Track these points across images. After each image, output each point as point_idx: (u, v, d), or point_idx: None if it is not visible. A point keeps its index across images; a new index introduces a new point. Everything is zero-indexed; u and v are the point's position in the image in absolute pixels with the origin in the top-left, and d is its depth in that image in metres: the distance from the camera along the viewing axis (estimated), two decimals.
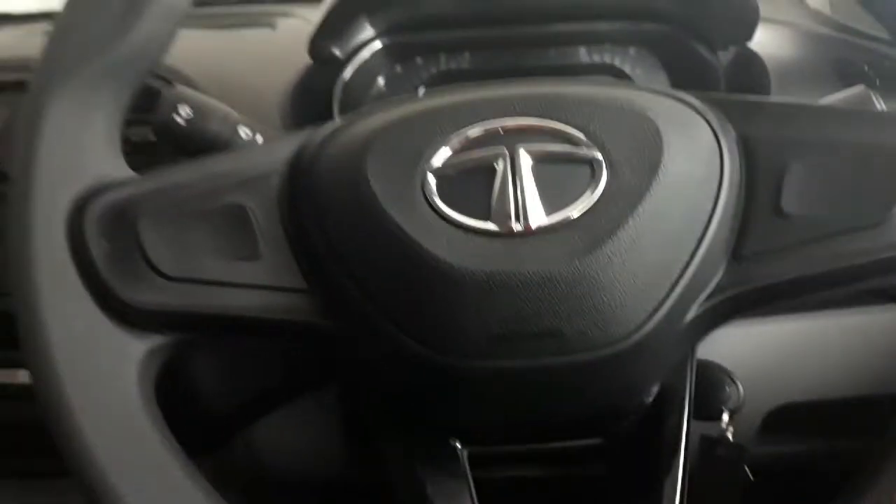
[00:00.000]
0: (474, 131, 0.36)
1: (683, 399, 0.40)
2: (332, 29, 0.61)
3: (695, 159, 0.36)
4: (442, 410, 0.39)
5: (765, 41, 0.64)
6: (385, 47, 0.65)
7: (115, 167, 0.38)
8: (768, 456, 0.61)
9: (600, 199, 0.34)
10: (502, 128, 0.36)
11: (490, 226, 0.34)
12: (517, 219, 0.34)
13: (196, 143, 0.48)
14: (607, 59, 0.66)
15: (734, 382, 0.48)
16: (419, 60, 0.67)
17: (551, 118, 0.36)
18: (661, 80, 0.66)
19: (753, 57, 0.63)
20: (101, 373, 0.35)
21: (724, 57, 0.64)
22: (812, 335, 0.60)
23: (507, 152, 0.35)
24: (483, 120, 0.36)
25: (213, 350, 0.58)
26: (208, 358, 0.59)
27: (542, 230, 0.34)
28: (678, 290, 0.35)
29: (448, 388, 0.36)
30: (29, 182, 0.36)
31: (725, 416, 0.49)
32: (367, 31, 0.64)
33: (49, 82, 0.36)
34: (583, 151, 0.35)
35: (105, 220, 0.36)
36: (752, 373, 0.53)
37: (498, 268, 0.34)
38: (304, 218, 0.36)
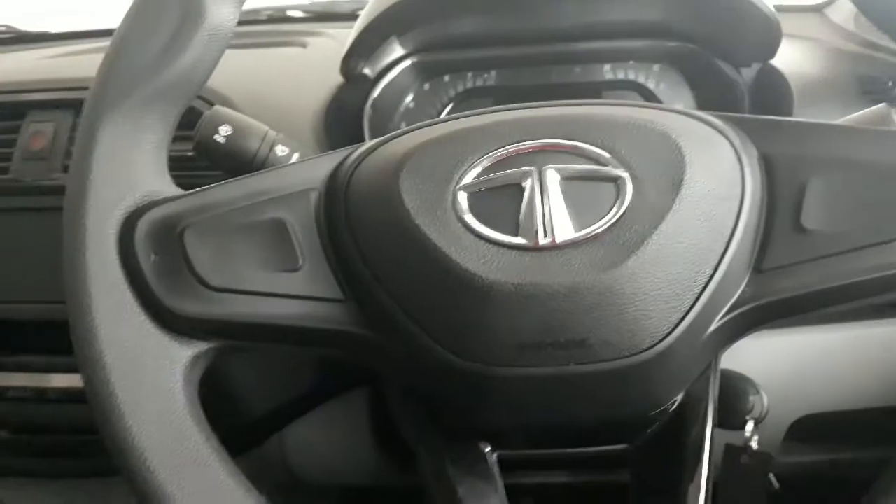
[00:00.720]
0: (503, 151, 0.37)
1: (707, 408, 0.41)
2: (363, 49, 0.64)
3: (717, 177, 0.37)
4: (471, 415, 0.40)
5: (788, 57, 0.65)
6: (414, 66, 0.68)
7: (163, 184, 0.40)
8: (793, 465, 0.62)
9: (625, 215, 0.36)
10: (530, 148, 0.37)
11: (519, 240, 0.36)
12: (545, 233, 0.36)
13: (234, 160, 0.50)
14: (631, 75, 0.67)
15: (758, 392, 0.49)
16: (447, 78, 0.68)
17: (577, 139, 0.37)
18: (685, 97, 0.67)
19: (776, 74, 0.64)
20: (149, 377, 0.37)
21: (748, 74, 0.65)
22: (836, 346, 0.61)
23: (535, 171, 0.37)
24: (512, 140, 0.37)
25: (251, 355, 0.60)
26: (247, 362, 0.61)
27: (569, 244, 0.36)
28: (701, 302, 0.36)
29: (477, 394, 0.38)
30: (83, 197, 0.38)
31: (750, 425, 0.49)
32: (397, 51, 0.67)
33: (102, 105, 0.39)
34: (608, 170, 0.37)
35: (153, 235, 0.38)
36: (776, 383, 0.54)
37: (526, 280, 0.35)
38: (341, 232, 0.38)
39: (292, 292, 0.38)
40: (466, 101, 0.69)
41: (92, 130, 0.38)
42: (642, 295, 0.35)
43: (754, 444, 0.49)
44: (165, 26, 0.39)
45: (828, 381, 0.61)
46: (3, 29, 1.03)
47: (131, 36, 0.39)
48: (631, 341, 0.35)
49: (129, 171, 0.39)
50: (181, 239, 0.38)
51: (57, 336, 0.46)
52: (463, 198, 0.37)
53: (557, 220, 0.36)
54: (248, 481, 0.37)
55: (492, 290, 0.35)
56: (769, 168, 0.38)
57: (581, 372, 0.36)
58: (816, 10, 0.84)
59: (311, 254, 0.38)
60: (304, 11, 1.00)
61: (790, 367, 0.60)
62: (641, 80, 0.67)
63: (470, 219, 0.36)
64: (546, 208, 0.36)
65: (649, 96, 0.67)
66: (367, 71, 0.66)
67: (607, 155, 0.37)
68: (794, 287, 0.36)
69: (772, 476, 0.52)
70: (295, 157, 0.51)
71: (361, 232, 0.38)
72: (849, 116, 0.47)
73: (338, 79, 0.66)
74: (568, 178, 0.37)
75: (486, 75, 0.68)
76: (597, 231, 0.36)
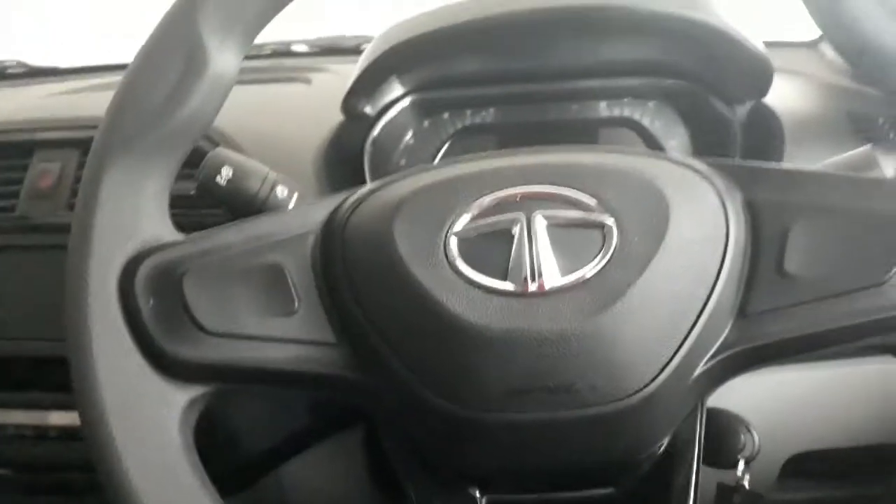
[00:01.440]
0: (493, 198, 0.38)
1: (693, 449, 0.42)
2: (364, 89, 0.65)
3: (701, 223, 0.38)
4: (461, 459, 0.41)
5: (781, 92, 0.66)
6: (413, 104, 0.69)
7: (163, 229, 0.41)
8: (787, 503, 0.62)
9: (611, 261, 0.37)
10: (519, 195, 0.38)
11: (508, 286, 0.37)
12: (533, 279, 0.37)
13: (235, 201, 0.51)
14: (627, 112, 0.68)
15: (749, 431, 0.50)
16: (446, 115, 0.70)
17: (565, 185, 0.38)
18: (680, 133, 0.68)
19: (768, 111, 0.65)
20: (146, 419, 0.38)
21: (741, 110, 0.66)
22: (829, 383, 0.61)
23: (523, 217, 0.38)
24: (501, 188, 0.39)
25: (245, 396, 0.60)
26: (241, 402, 0.62)
27: (557, 290, 0.36)
28: (686, 346, 0.37)
29: (467, 438, 0.38)
30: (86, 241, 0.39)
31: (741, 464, 0.50)
32: (397, 90, 0.68)
33: (107, 151, 0.40)
34: (594, 217, 0.38)
35: (153, 279, 0.39)
36: (768, 421, 0.54)
37: (515, 325, 0.36)
38: (336, 276, 0.39)
39: (288, 336, 0.39)
40: (465, 137, 0.70)
41: (96, 177, 0.40)
42: (628, 340, 0.36)
43: (746, 483, 0.49)
44: (170, 74, 0.40)
45: (821, 419, 0.61)
46: (14, 64, 1.05)
47: (137, 83, 0.40)
48: (618, 386, 0.36)
49: (132, 218, 0.40)
50: (180, 284, 0.39)
51: (59, 373, 0.47)
52: (454, 243, 0.38)
53: (545, 266, 0.37)
54: None
55: (481, 336, 0.36)
56: (753, 213, 0.39)
57: (569, 417, 0.36)
58: (811, 45, 0.86)
59: (307, 298, 0.39)
60: (309, 46, 1.02)
61: (782, 404, 0.60)
62: (637, 116, 0.68)
63: (461, 264, 0.37)
64: (534, 254, 0.37)
65: (644, 133, 0.68)
66: (367, 109, 0.67)
67: (593, 202, 0.38)
68: (777, 332, 0.37)
69: None
70: (295, 197, 0.52)
71: (356, 276, 0.39)
72: (834, 159, 0.48)
73: (339, 116, 0.67)
74: (555, 225, 0.38)
75: (484, 112, 0.70)
76: (583, 277, 0.37)
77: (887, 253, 0.37)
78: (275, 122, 0.71)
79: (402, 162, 0.70)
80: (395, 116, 0.68)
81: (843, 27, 0.40)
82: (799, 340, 0.37)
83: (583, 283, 0.36)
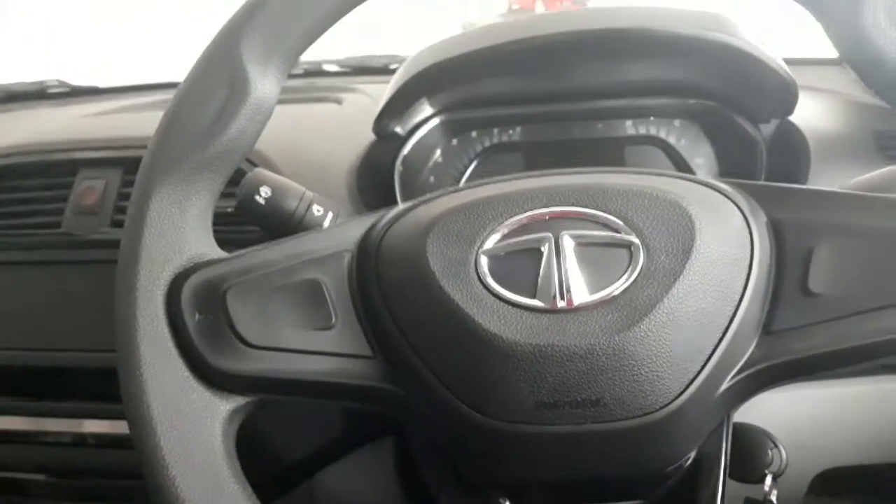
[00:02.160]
0: (522, 218, 0.40)
1: (720, 463, 0.42)
2: (395, 110, 0.67)
3: (726, 242, 0.39)
4: (491, 469, 0.42)
5: (808, 111, 0.66)
6: (442, 123, 0.71)
7: (207, 247, 0.43)
8: None
9: (637, 279, 0.38)
10: (548, 215, 0.40)
11: (536, 302, 0.38)
12: (561, 296, 0.38)
13: (273, 219, 0.53)
14: (653, 131, 0.70)
15: (776, 446, 0.50)
16: (474, 134, 0.71)
17: (592, 206, 0.40)
18: (705, 152, 0.69)
19: (794, 130, 0.65)
20: (191, 429, 0.40)
21: (766, 129, 0.67)
22: (858, 400, 0.61)
23: (551, 237, 0.39)
24: (530, 208, 0.40)
25: (284, 408, 0.62)
26: (278, 412, 0.64)
27: (585, 307, 0.38)
28: (711, 363, 0.38)
29: (496, 449, 0.40)
30: (135, 259, 0.41)
31: (769, 479, 0.50)
32: (427, 110, 0.70)
33: (155, 172, 0.42)
34: (621, 236, 0.39)
35: (198, 295, 0.41)
36: (797, 437, 0.54)
37: (544, 340, 0.37)
38: (371, 292, 0.41)
39: (325, 349, 0.40)
40: (493, 155, 0.72)
41: (145, 196, 0.42)
42: (654, 356, 0.37)
43: (773, 499, 0.49)
44: (214, 100, 0.41)
45: (850, 435, 0.61)
46: (56, 83, 1.09)
47: (183, 108, 0.42)
48: (644, 401, 0.37)
49: (178, 235, 0.42)
50: (223, 299, 0.40)
51: (99, 382, 0.48)
52: (484, 261, 0.39)
53: (573, 284, 0.38)
54: None
55: (511, 350, 0.37)
56: (777, 233, 0.40)
57: (597, 430, 0.37)
58: (837, 62, 0.86)
59: (344, 312, 0.41)
60: (340, 66, 1.04)
61: (811, 420, 0.60)
62: (662, 135, 0.69)
63: (491, 281, 0.39)
64: (562, 272, 0.38)
65: (670, 151, 0.69)
66: (398, 129, 0.69)
67: (620, 222, 0.39)
68: (802, 349, 0.38)
69: None
70: (329, 215, 0.54)
71: (390, 292, 0.40)
72: (859, 178, 0.49)
73: (370, 135, 0.69)
74: (583, 244, 0.39)
75: (511, 131, 0.71)
76: (611, 295, 0.38)
77: None
78: (308, 141, 0.73)
79: (432, 179, 0.71)
80: (425, 136, 0.70)
81: (858, 43, 0.40)
82: (823, 357, 0.38)
83: (611, 300, 0.38)
